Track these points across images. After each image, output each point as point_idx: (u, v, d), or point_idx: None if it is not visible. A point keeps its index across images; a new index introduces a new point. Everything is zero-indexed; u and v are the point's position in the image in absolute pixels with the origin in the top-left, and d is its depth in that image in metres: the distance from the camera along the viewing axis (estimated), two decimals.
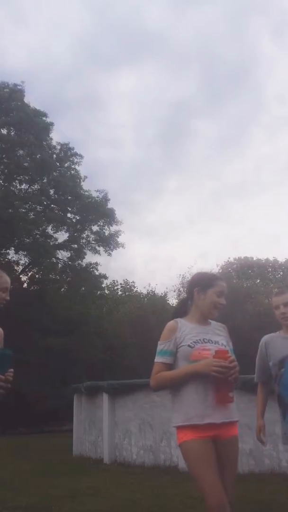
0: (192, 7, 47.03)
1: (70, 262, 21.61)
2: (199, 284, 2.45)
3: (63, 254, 21.68)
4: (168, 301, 23.36)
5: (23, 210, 19.58)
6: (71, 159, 21.34)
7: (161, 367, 2.31)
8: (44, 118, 20.09)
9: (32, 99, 26.00)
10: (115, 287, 28.84)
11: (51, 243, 20.85)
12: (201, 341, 2.31)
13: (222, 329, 2.50)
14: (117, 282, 28.94)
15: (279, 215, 56.33)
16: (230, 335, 2.57)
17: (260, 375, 3.29)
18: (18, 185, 20.68)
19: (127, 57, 47.01)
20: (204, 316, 2.44)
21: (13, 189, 20.11)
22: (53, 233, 21.21)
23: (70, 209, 21.38)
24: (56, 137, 43.02)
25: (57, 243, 21.20)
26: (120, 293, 28.73)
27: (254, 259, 30.19)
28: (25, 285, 22.57)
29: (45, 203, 20.90)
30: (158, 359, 2.32)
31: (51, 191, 20.88)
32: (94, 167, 41.91)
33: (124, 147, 45.20)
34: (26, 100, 19.73)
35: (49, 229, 21.07)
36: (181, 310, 2.53)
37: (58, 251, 21.40)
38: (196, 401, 2.21)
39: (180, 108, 46.89)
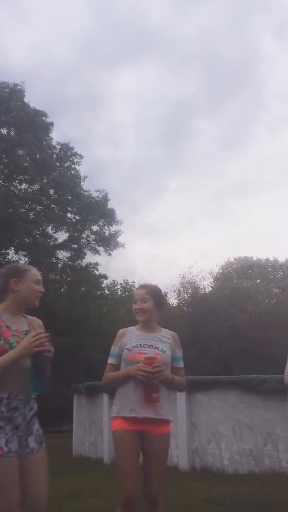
0: (194, 6, 47.08)
1: (70, 262, 21.61)
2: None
3: (63, 254, 21.70)
4: (168, 301, 23.30)
5: (23, 210, 19.56)
6: (71, 159, 21.34)
7: (110, 368, 2.74)
8: (44, 118, 20.09)
9: (33, 98, 26.02)
10: (115, 287, 28.82)
11: (51, 243, 20.85)
12: (140, 346, 2.69)
13: (170, 337, 2.83)
14: (117, 282, 28.94)
15: (281, 214, 56.25)
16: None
17: None
18: (18, 185, 20.68)
19: (129, 56, 47.04)
20: (143, 323, 2.80)
21: (13, 189, 20.09)
22: (53, 233, 21.23)
23: (70, 209, 21.37)
24: (57, 136, 43.06)
25: (57, 243, 21.20)
26: (120, 293, 28.67)
27: (254, 259, 30.17)
28: None
29: (45, 203, 20.89)
30: (108, 360, 2.77)
31: (51, 191, 20.87)
32: (95, 166, 41.79)
33: (125, 146, 45.12)
34: (26, 100, 19.76)
35: (49, 229, 21.09)
36: None
37: (58, 251, 21.40)
38: (128, 397, 2.61)
39: (181, 107, 46.82)
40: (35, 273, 2.38)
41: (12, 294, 2.30)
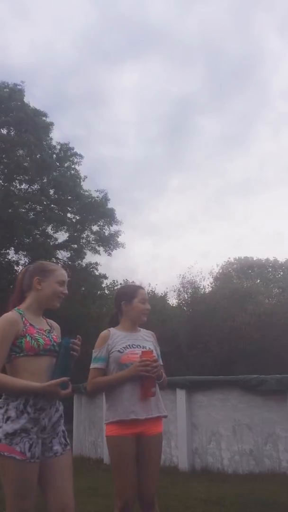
0: (197, 2, 47.08)
1: (70, 262, 21.59)
2: (124, 297, 2.80)
3: (63, 254, 21.69)
4: (168, 301, 23.28)
5: (23, 210, 19.56)
6: (71, 159, 21.35)
7: (95, 373, 2.62)
8: (44, 118, 20.10)
9: (35, 96, 26.03)
10: (115, 287, 28.85)
11: (51, 243, 20.85)
12: (130, 346, 2.64)
13: (150, 336, 2.83)
14: (117, 282, 28.97)
15: (282, 214, 56.32)
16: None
17: None
18: (18, 185, 20.67)
19: (131, 53, 47.14)
20: (134, 324, 2.77)
21: (13, 189, 20.09)
22: (53, 233, 21.21)
23: (70, 209, 21.38)
24: (58, 134, 43.10)
25: (57, 243, 21.21)
26: None
27: (254, 259, 30.20)
28: None
29: (45, 203, 20.90)
30: (92, 365, 2.64)
31: (51, 191, 20.88)
32: (96, 164, 41.91)
33: (127, 144, 45.24)
34: (26, 100, 19.76)
35: (49, 229, 21.07)
36: (115, 320, 2.86)
37: (58, 251, 21.40)
38: (124, 399, 2.52)
39: (183, 104, 46.95)
40: (61, 273, 2.37)
41: (34, 293, 2.31)
